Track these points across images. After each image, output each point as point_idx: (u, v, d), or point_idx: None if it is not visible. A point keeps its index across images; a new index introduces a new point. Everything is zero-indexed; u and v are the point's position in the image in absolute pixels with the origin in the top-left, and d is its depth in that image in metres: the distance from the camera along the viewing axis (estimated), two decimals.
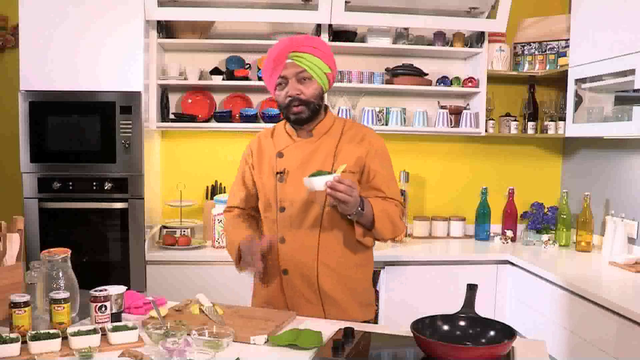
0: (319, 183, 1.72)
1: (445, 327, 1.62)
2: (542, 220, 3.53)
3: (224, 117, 3.31)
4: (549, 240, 3.31)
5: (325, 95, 3.27)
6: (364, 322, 1.96)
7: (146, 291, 2.94)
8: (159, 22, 3.17)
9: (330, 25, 3.26)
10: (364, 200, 1.83)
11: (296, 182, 1.88)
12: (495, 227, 3.63)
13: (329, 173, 1.75)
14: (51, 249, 1.79)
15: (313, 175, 1.75)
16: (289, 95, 1.88)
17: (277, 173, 1.94)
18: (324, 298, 1.93)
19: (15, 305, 1.60)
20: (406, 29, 3.46)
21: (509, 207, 3.59)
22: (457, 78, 3.50)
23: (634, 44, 2.60)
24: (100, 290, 1.67)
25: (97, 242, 2.98)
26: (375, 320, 3.07)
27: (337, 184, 1.70)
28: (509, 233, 3.48)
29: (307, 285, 1.92)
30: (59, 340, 1.51)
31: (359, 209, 1.80)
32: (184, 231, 3.27)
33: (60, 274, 1.76)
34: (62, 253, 1.78)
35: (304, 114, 1.90)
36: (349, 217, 1.85)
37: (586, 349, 2.41)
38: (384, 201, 1.91)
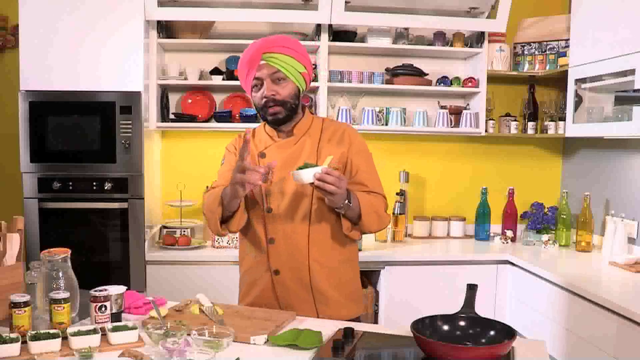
0: (307, 175, 1.72)
1: (445, 327, 1.62)
2: (542, 220, 3.53)
3: (224, 117, 3.31)
4: (549, 240, 3.31)
5: (325, 95, 3.31)
6: (356, 318, 1.99)
7: (146, 291, 2.94)
8: (159, 22, 3.17)
9: (330, 25, 3.26)
10: (351, 193, 1.84)
11: (281, 182, 1.90)
12: (495, 227, 3.63)
13: (316, 165, 1.75)
14: (51, 249, 1.79)
15: (300, 168, 1.75)
16: (265, 97, 1.88)
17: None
18: (316, 296, 1.93)
19: (15, 305, 1.60)
20: (406, 29, 3.46)
21: (509, 207, 3.59)
22: (457, 78, 3.50)
23: (634, 44, 2.60)
24: (100, 290, 1.67)
25: (97, 242, 2.98)
26: (374, 320, 3.08)
27: (325, 175, 1.71)
28: (509, 233, 3.49)
29: (300, 284, 1.93)
30: (59, 340, 1.51)
31: (347, 201, 1.81)
32: (184, 231, 3.27)
33: (60, 274, 1.76)
34: (62, 253, 1.78)
35: (281, 115, 1.90)
36: (337, 210, 1.85)
37: (586, 348, 2.41)
38: (368, 195, 1.92)
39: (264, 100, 1.88)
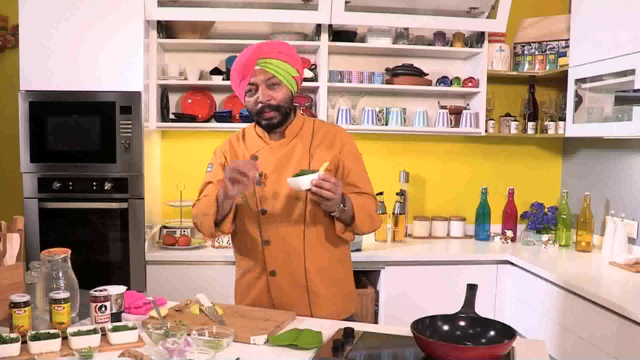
0: (305, 182, 1.74)
1: (445, 327, 1.62)
2: (542, 220, 3.53)
3: (224, 117, 3.31)
4: (549, 240, 3.31)
5: (325, 95, 3.31)
6: (350, 316, 2.01)
7: (146, 291, 2.94)
8: (159, 22, 3.17)
9: (330, 25, 3.26)
10: (345, 196, 1.86)
11: (275, 184, 1.91)
12: (495, 227, 3.63)
13: (313, 172, 1.77)
14: (51, 249, 1.79)
15: (297, 175, 1.77)
16: (260, 102, 1.89)
17: None
18: (311, 297, 1.94)
19: (15, 305, 1.60)
20: (406, 29, 3.46)
21: (509, 207, 3.59)
22: (457, 78, 3.50)
23: (634, 44, 2.60)
24: (100, 290, 1.67)
25: (97, 242, 2.98)
26: (374, 320, 3.08)
27: (322, 181, 1.73)
28: (509, 233, 3.48)
29: (296, 285, 1.94)
30: (59, 340, 1.51)
31: (341, 205, 1.83)
32: (184, 231, 3.27)
33: (60, 274, 1.76)
34: (62, 253, 1.78)
35: (276, 119, 1.92)
36: (331, 214, 1.87)
37: (586, 349, 2.41)
38: (360, 196, 1.94)
39: (260, 105, 1.90)
